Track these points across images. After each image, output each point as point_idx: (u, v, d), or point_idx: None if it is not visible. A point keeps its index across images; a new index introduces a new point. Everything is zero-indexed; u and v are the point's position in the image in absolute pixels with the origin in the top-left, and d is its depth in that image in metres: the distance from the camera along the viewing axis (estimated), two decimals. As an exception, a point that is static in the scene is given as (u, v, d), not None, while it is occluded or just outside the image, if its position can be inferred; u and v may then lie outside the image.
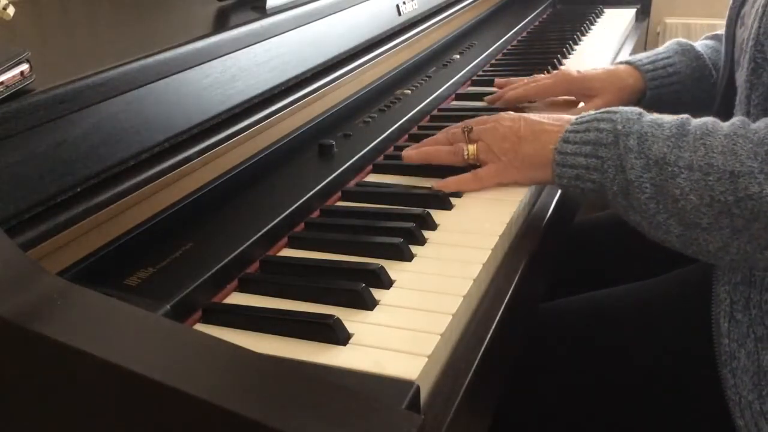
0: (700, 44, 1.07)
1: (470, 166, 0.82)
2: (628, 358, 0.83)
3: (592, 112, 0.77)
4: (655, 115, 0.74)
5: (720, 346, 0.74)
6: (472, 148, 0.82)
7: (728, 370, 0.74)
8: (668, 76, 1.03)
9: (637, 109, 0.74)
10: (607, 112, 0.75)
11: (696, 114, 0.73)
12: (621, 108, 0.75)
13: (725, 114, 0.76)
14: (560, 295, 0.94)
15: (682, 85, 1.03)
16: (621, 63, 1.07)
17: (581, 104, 1.05)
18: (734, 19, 0.86)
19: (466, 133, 0.83)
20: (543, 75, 1.10)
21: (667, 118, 0.72)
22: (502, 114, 0.84)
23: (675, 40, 1.08)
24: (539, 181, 0.81)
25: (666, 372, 0.81)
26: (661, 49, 1.07)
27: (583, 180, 0.74)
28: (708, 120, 0.71)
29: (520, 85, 1.08)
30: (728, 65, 0.90)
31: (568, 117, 0.79)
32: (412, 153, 0.85)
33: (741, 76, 0.77)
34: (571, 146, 0.75)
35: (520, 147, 0.79)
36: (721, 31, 1.07)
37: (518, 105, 1.06)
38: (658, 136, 0.70)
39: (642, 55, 1.06)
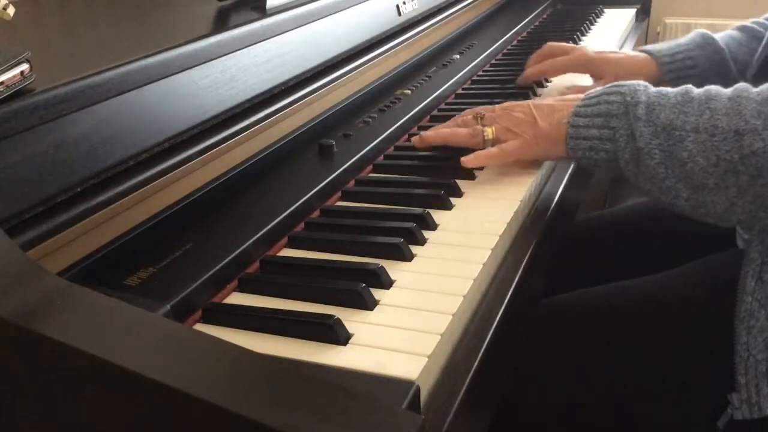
0: (724, 36, 1.08)
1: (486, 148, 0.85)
2: (630, 355, 0.83)
3: (599, 88, 0.81)
4: (660, 87, 0.77)
5: (742, 304, 0.76)
6: (490, 130, 0.85)
7: (744, 327, 0.75)
8: (685, 69, 1.05)
9: (642, 82, 0.78)
10: (615, 86, 0.79)
11: None
12: (627, 81, 0.78)
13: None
14: (561, 292, 0.94)
15: (701, 79, 1.04)
16: (643, 51, 1.09)
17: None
18: None
19: (479, 119, 0.86)
20: (560, 48, 1.13)
21: (671, 89, 0.76)
22: (508, 103, 0.88)
23: (699, 31, 1.09)
24: (557, 156, 0.84)
25: (671, 370, 0.81)
26: (683, 40, 1.08)
27: (597, 150, 0.77)
28: (710, 87, 0.74)
29: (539, 61, 1.13)
30: None
31: (573, 96, 0.83)
32: (430, 133, 0.88)
33: None
34: (583, 119, 0.78)
35: (537, 124, 0.82)
36: (749, 22, 1.08)
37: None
38: (664, 105, 0.73)
39: (663, 45, 1.08)
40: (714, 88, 0.73)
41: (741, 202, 0.70)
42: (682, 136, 0.71)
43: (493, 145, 0.84)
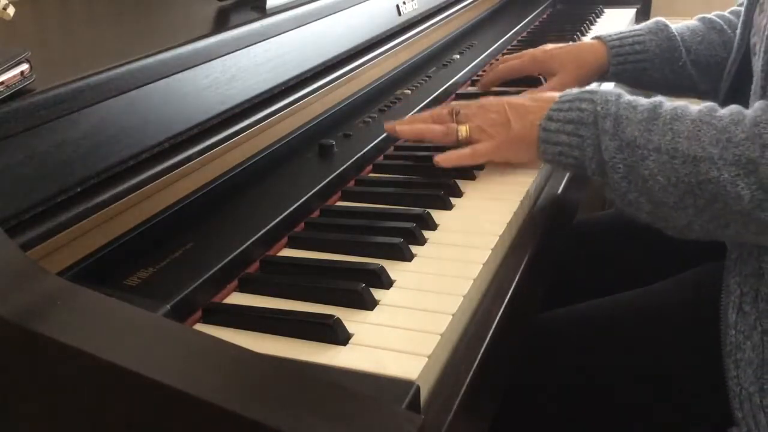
0: (680, 26, 1.09)
1: (461, 146, 0.85)
2: (631, 365, 0.83)
3: (574, 91, 0.80)
4: (632, 97, 0.77)
5: (726, 337, 0.75)
6: (464, 128, 0.84)
7: (732, 360, 0.74)
8: (634, 54, 1.05)
9: (616, 91, 0.78)
10: (588, 92, 0.78)
11: (663, 92, 0.75)
12: (601, 89, 0.79)
13: (732, 99, 0.77)
14: (561, 300, 0.93)
15: (650, 63, 1.06)
16: (594, 38, 1.10)
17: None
18: (753, 4, 0.86)
19: (453, 115, 0.86)
20: (512, 56, 1.14)
21: (642, 101, 0.75)
22: (485, 99, 0.88)
23: (656, 18, 1.10)
24: (527, 158, 0.84)
25: (669, 379, 0.81)
26: (638, 26, 1.09)
27: (566, 156, 0.78)
28: (680, 105, 0.74)
29: (491, 68, 1.14)
30: (742, 50, 0.91)
31: (549, 95, 0.83)
32: (405, 128, 0.87)
33: (757, 64, 0.78)
34: (555, 124, 0.79)
35: (510, 126, 0.83)
36: (712, 15, 1.08)
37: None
38: (631, 119, 0.73)
39: (616, 31, 1.09)
40: (682, 107, 0.73)
41: (699, 221, 0.70)
42: (644, 155, 0.71)
43: (466, 145, 0.84)
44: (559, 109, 0.79)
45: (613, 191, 0.74)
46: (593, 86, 0.84)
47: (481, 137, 0.84)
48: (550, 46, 1.11)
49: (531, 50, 1.12)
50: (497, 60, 1.19)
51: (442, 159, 0.83)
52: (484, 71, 1.25)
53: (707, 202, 0.69)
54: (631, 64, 1.06)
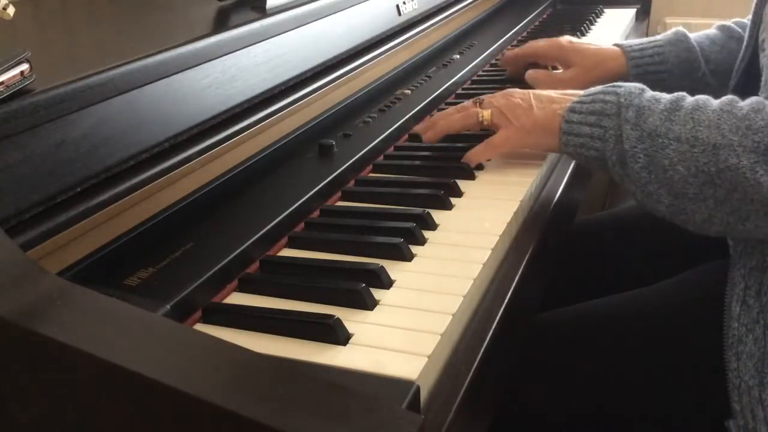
0: (700, 35, 1.09)
1: (484, 134, 0.87)
2: (630, 365, 0.83)
3: (599, 86, 0.81)
4: (656, 93, 0.77)
5: (729, 329, 0.75)
6: (487, 113, 0.86)
7: (733, 353, 0.74)
8: (654, 64, 1.07)
9: (639, 85, 0.79)
10: (613, 86, 0.80)
11: None
12: (625, 83, 0.79)
13: (740, 95, 0.77)
14: (561, 300, 0.93)
15: (669, 74, 1.07)
16: (616, 44, 1.12)
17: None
18: (764, 1, 0.86)
19: (477, 104, 0.88)
20: (539, 40, 1.18)
21: (666, 95, 0.76)
22: (510, 89, 0.89)
23: (676, 28, 1.10)
24: (547, 147, 0.85)
25: (669, 377, 0.81)
26: (658, 36, 1.11)
27: (587, 148, 0.78)
28: (701, 97, 0.74)
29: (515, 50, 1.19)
30: (751, 47, 0.91)
31: (575, 91, 0.84)
32: (430, 133, 0.91)
33: (765, 60, 0.78)
34: (577, 116, 0.79)
35: (532, 112, 0.84)
36: (730, 22, 1.08)
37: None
38: (654, 110, 0.74)
39: (637, 41, 1.10)
40: (703, 99, 0.74)
41: (719, 213, 0.70)
42: (664, 144, 0.71)
43: (487, 128, 0.86)
44: (582, 101, 0.80)
45: (633, 183, 0.74)
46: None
47: (500, 122, 0.85)
48: (575, 40, 1.14)
49: (557, 38, 1.15)
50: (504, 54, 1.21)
51: (467, 158, 0.85)
52: (484, 71, 1.26)
53: (727, 192, 0.69)
54: (652, 74, 1.07)
